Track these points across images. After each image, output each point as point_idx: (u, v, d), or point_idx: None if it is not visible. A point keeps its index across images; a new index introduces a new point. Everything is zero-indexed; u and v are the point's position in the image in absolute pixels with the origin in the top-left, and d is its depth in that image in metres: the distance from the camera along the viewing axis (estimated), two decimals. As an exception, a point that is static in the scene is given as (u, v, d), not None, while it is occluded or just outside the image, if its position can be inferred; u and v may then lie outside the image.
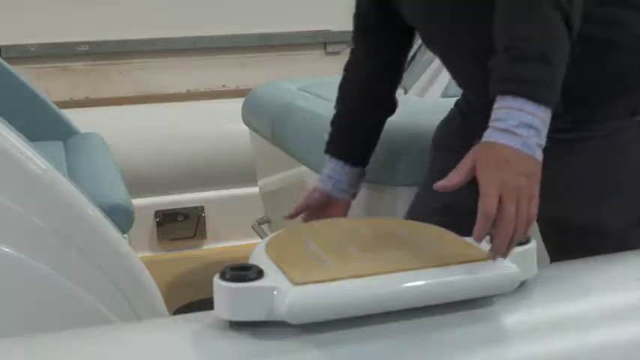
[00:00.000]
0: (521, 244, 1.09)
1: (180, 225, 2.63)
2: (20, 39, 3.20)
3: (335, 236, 1.15)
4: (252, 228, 2.28)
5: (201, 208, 2.65)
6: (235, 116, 2.33)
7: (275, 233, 1.21)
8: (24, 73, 2.35)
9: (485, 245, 1.11)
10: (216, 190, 2.66)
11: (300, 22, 3.46)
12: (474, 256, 1.05)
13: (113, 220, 1.44)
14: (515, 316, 1.08)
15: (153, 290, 1.47)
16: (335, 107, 1.54)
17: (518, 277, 1.07)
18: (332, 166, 1.51)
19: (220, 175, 2.64)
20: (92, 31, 3.27)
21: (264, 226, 2.30)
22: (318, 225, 1.22)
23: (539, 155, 1.02)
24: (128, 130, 2.57)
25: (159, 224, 2.61)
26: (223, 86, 3.49)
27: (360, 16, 1.51)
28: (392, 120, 1.56)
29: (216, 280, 0.99)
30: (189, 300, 2.19)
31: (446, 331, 1.03)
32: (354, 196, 1.54)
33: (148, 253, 2.58)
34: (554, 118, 1.26)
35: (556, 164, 1.29)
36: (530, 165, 1.01)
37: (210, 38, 3.43)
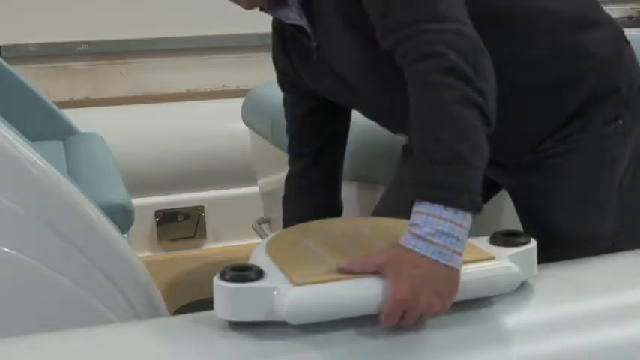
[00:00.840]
0: (521, 244, 1.10)
1: (180, 225, 2.63)
2: (20, 39, 3.19)
3: (335, 236, 1.15)
4: (252, 228, 2.28)
5: (201, 208, 2.64)
6: (235, 116, 2.33)
7: (275, 233, 1.21)
8: (24, 73, 2.34)
9: (485, 245, 1.11)
10: (216, 190, 2.66)
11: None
12: (475, 257, 1.05)
13: (113, 220, 1.44)
14: (515, 316, 1.08)
15: (153, 290, 1.47)
16: (283, 221, 1.54)
17: (518, 278, 1.07)
18: None
19: (220, 175, 2.64)
20: (92, 31, 3.27)
21: (264, 226, 2.30)
22: (318, 225, 1.22)
23: (456, 263, 0.99)
24: (128, 130, 2.57)
25: (159, 224, 2.61)
26: (223, 86, 3.48)
27: (291, 127, 1.51)
28: (361, 117, 1.58)
29: (216, 281, 0.99)
30: (189, 300, 2.19)
31: (446, 331, 1.03)
32: None
33: (147, 253, 2.57)
34: (537, 143, 1.27)
35: (544, 176, 1.30)
36: (446, 279, 0.99)
37: (210, 38, 3.43)
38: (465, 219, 1.00)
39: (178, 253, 2.62)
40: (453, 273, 0.99)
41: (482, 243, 1.11)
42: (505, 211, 1.61)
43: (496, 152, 1.06)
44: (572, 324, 1.08)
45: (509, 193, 1.40)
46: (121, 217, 1.51)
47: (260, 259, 1.07)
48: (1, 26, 3.10)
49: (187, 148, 2.60)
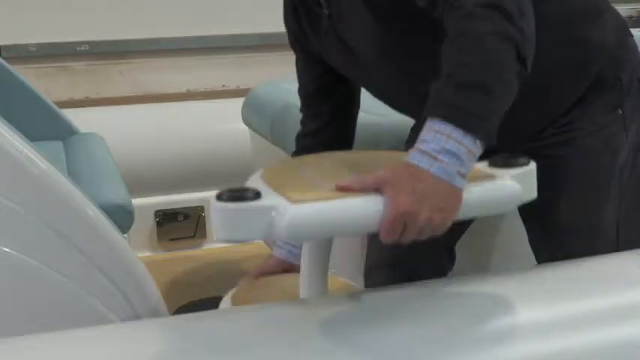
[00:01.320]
0: (521, 165, 1.08)
1: (180, 225, 2.63)
2: (20, 39, 3.20)
3: (334, 163, 1.14)
4: (252, 228, 2.28)
5: (201, 208, 2.64)
6: (235, 116, 2.33)
7: (270, 165, 1.20)
8: (24, 73, 2.34)
9: (484, 167, 1.10)
10: (216, 190, 2.65)
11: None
12: (476, 176, 1.04)
13: (113, 220, 1.44)
14: (515, 316, 1.08)
15: (153, 290, 1.47)
16: None
17: (519, 196, 1.05)
18: None
19: (220, 175, 2.63)
20: (92, 31, 3.27)
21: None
22: (316, 156, 1.23)
23: (459, 183, 0.98)
24: (128, 130, 2.57)
25: (159, 224, 2.61)
26: (223, 86, 3.48)
27: (305, 88, 1.50)
28: (379, 120, 1.57)
29: (214, 202, 0.97)
30: (189, 300, 2.19)
31: (444, 330, 1.03)
32: None
33: (148, 253, 2.57)
34: (537, 130, 1.27)
35: (545, 165, 1.30)
36: (448, 196, 0.98)
37: (210, 38, 3.43)
38: (475, 145, 0.99)
39: (178, 253, 2.61)
40: (456, 192, 0.98)
41: (481, 166, 1.10)
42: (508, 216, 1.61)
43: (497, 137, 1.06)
44: (572, 324, 1.08)
45: None
46: (121, 217, 1.51)
47: (256, 184, 1.05)
48: (1, 26, 3.10)
49: (187, 148, 2.60)
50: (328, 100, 1.47)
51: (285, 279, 1.34)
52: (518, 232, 1.44)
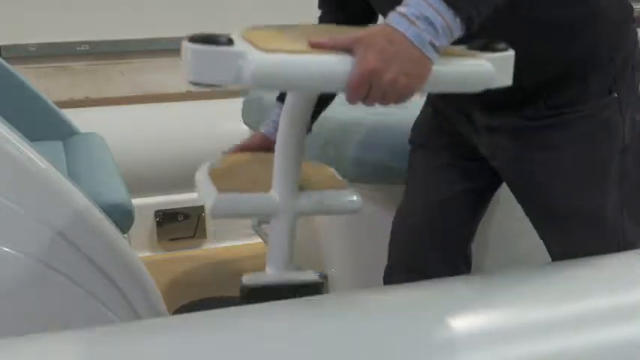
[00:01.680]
0: (499, 50, 1.08)
1: (180, 225, 2.63)
2: (20, 39, 3.20)
3: (317, 27, 1.16)
4: (252, 228, 2.28)
5: (201, 208, 2.64)
6: (235, 116, 2.33)
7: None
8: (24, 73, 2.34)
9: (461, 49, 1.09)
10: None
11: (299, 22, 3.44)
12: (451, 51, 1.05)
13: (113, 220, 1.44)
14: (515, 316, 1.08)
15: (153, 290, 1.47)
16: None
17: (492, 77, 1.05)
18: (277, 111, 1.50)
19: (220, 175, 2.63)
20: (92, 31, 3.27)
21: (265, 226, 2.30)
22: (300, 25, 1.24)
23: (430, 53, 0.99)
24: (128, 130, 2.57)
25: (159, 224, 2.61)
26: (223, 86, 3.49)
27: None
28: (383, 119, 1.56)
29: (185, 43, 1.00)
30: (189, 300, 2.19)
31: (445, 331, 1.03)
32: None
33: (148, 253, 2.57)
34: (526, 103, 1.26)
35: (539, 150, 1.29)
36: (417, 62, 0.99)
37: (210, 38, 3.43)
38: (454, 21, 1.00)
39: (178, 253, 2.61)
40: (426, 60, 0.99)
41: (459, 48, 1.10)
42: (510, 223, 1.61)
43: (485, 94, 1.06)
44: (572, 324, 1.08)
45: (504, 175, 1.39)
46: (121, 217, 1.51)
47: (233, 37, 1.05)
48: (1, 26, 3.10)
49: (187, 148, 2.60)
50: (346, 6, 1.46)
51: (266, 155, 1.36)
52: (518, 231, 1.44)
